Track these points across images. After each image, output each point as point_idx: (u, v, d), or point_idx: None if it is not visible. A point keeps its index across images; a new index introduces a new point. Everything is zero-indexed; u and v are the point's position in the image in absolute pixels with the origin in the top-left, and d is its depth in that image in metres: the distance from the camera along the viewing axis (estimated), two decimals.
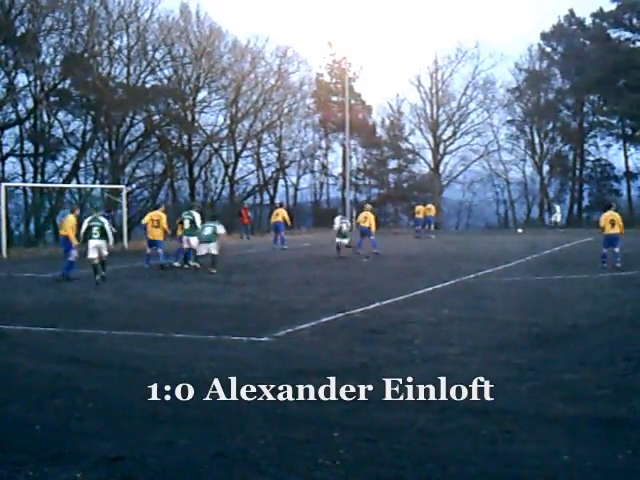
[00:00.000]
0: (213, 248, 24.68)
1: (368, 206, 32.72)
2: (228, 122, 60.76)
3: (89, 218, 22.80)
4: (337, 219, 30.89)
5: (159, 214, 27.14)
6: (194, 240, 25.70)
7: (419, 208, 46.19)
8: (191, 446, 7.05)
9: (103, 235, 22.28)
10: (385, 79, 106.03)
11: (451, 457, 6.69)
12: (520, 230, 49.95)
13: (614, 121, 65.04)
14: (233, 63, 59.28)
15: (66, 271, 22.85)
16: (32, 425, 7.79)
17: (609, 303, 16.56)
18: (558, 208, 54.01)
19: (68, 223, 23.65)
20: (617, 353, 11.06)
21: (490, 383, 9.14)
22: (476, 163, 67.06)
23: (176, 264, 26.26)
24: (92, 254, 22.14)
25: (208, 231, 24.85)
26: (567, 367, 10.00)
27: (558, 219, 52.43)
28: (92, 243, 22.11)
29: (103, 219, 22.93)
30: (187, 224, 26.59)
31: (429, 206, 46.38)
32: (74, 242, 23.02)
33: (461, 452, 6.81)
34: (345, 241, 29.85)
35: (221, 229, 25.44)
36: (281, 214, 37.54)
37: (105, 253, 22.40)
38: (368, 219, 30.82)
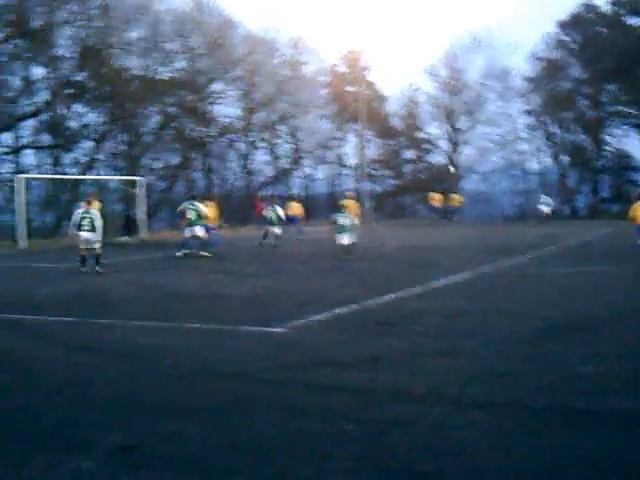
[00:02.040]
0: (198, 231, 26.13)
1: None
2: (243, 113, 60.73)
3: (80, 210, 22.63)
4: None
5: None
6: (201, 229, 26.12)
7: (434, 195, 46.02)
8: (203, 436, 7.03)
9: (94, 227, 22.06)
10: (400, 69, 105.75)
11: (464, 450, 6.63)
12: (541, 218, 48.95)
13: (632, 110, 64.56)
14: (247, 54, 59.21)
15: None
16: (44, 414, 7.79)
17: (629, 295, 16.43)
18: (546, 199, 52.51)
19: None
20: (636, 346, 10.98)
21: (505, 376, 9.10)
22: (494, 153, 66.79)
23: (178, 254, 26.53)
24: (82, 245, 22.12)
25: (191, 215, 25.59)
26: (584, 360, 9.87)
27: (547, 210, 51.13)
28: (82, 236, 22.03)
29: (95, 211, 22.67)
30: (192, 214, 26.87)
31: (453, 196, 45.96)
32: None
33: (474, 445, 6.75)
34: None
35: (202, 208, 26.94)
36: (295, 207, 37.46)
37: (96, 246, 22.16)
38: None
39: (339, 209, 27.71)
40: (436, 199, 45.50)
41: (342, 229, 25.85)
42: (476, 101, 66.61)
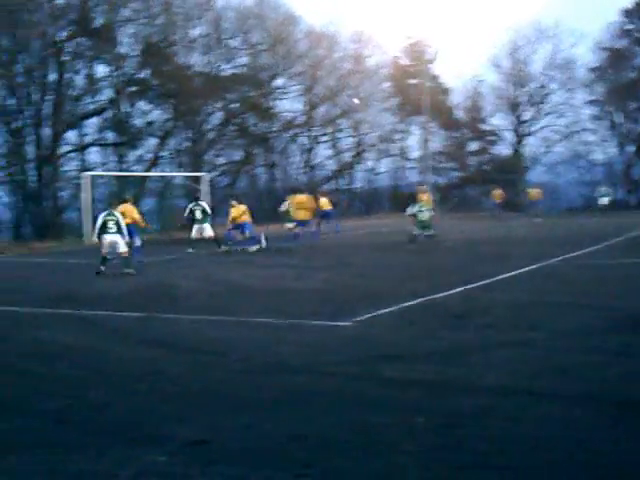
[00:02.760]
0: (208, 230, 27.17)
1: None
2: (305, 108, 60.82)
3: (104, 212, 22.32)
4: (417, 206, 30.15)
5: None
6: (209, 227, 27.25)
7: (495, 192, 45.67)
8: (273, 429, 7.04)
9: (119, 230, 21.64)
10: (463, 60, 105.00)
11: (537, 443, 6.56)
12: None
13: None
14: (309, 49, 59.27)
15: (138, 256, 24.18)
16: (118, 408, 7.89)
17: None
18: (605, 190, 51.33)
19: (132, 212, 24.75)
20: None
21: (575, 368, 8.99)
22: (559, 144, 65.99)
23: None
24: (106, 249, 21.58)
25: (198, 214, 27.03)
26: None
27: (605, 201, 50.03)
28: (108, 238, 21.56)
29: (118, 213, 22.33)
30: (199, 215, 27.37)
31: (531, 190, 45.25)
32: (141, 224, 25.10)
33: (547, 438, 6.68)
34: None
35: (208, 207, 27.95)
36: (325, 203, 37.43)
37: (123, 249, 21.68)
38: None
39: (415, 201, 27.78)
40: (497, 196, 45.05)
41: (422, 221, 25.96)
42: (540, 92, 65.88)
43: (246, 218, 28.98)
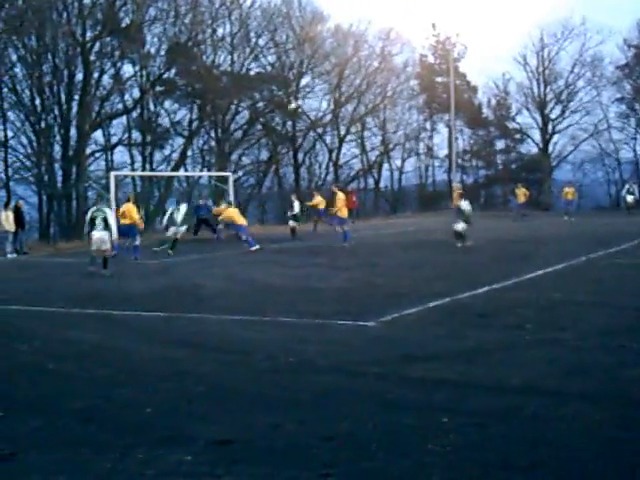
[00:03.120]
0: (180, 232, 27.66)
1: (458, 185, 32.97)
2: (332, 107, 60.82)
3: (93, 208, 22.00)
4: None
5: (341, 195, 28.27)
6: (183, 230, 28.18)
7: (519, 192, 45.43)
8: (299, 429, 7.05)
9: (107, 226, 21.09)
10: (490, 58, 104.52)
11: (564, 443, 6.53)
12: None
13: None
14: (336, 47, 59.27)
15: (137, 255, 25.06)
16: (143, 408, 7.91)
17: None
18: (631, 187, 50.33)
19: (132, 211, 25.14)
20: None
21: (603, 367, 8.94)
22: (586, 142, 65.48)
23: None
24: (95, 247, 21.11)
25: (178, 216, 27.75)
26: None
27: (631, 199, 49.25)
28: (95, 235, 21.05)
29: (107, 209, 21.88)
30: (179, 217, 28.28)
31: (566, 189, 44.77)
32: (140, 225, 25.51)
33: (574, 438, 6.65)
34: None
35: (183, 210, 28.29)
36: (319, 201, 37.31)
37: (107, 247, 21.15)
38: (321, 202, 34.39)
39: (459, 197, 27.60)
40: (521, 195, 44.78)
41: (463, 216, 25.64)
42: (567, 90, 65.55)
43: (239, 220, 29.63)
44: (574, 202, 43.74)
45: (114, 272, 20.93)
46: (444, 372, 8.96)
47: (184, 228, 28.69)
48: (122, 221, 26.06)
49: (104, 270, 20.88)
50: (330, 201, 32.45)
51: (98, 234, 20.98)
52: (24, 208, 34.88)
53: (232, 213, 29.58)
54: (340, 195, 29.22)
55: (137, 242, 25.72)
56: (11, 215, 30.04)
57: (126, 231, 25.92)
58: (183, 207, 28.86)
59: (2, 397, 8.63)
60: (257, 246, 27.82)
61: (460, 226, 25.64)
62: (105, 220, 21.04)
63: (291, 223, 34.64)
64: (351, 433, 6.90)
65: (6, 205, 31.52)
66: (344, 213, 28.71)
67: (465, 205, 26.17)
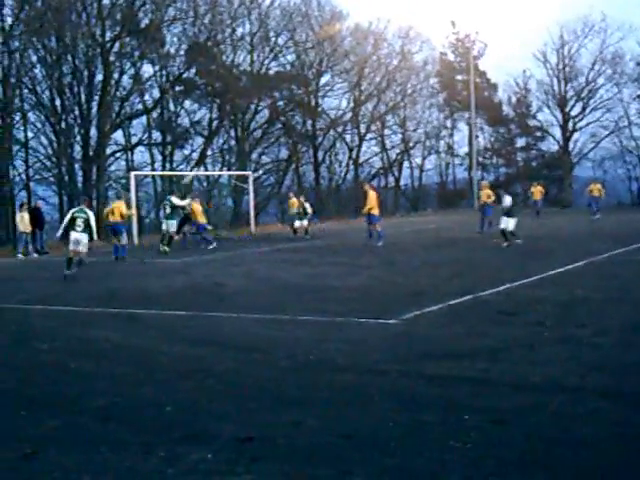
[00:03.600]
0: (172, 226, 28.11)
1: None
2: (351, 105, 60.83)
3: (74, 209, 21.77)
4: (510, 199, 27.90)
5: (372, 193, 28.30)
6: (174, 223, 28.51)
7: (535, 189, 45.26)
8: (320, 427, 7.03)
9: (87, 228, 20.57)
10: (510, 56, 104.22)
11: (584, 440, 6.49)
12: None
13: None
14: (355, 46, 59.25)
15: (124, 254, 25.66)
16: (164, 406, 7.90)
17: None
18: None
19: (120, 208, 25.52)
20: None
21: (626, 365, 8.88)
22: (607, 140, 65.23)
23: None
24: (72, 246, 20.60)
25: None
26: None
27: None
28: (73, 235, 20.59)
29: (89, 211, 21.18)
30: (168, 210, 28.88)
31: (593, 186, 44.44)
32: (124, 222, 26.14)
33: (595, 436, 6.60)
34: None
35: (177, 202, 28.98)
36: (295, 203, 37.25)
37: (84, 250, 20.67)
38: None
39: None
40: (537, 193, 44.58)
41: (510, 213, 25.36)
42: (588, 87, 65.24)
43: (200, 219, 30.33)
44: (600, 199, 43.44)
45: (81, 274, 20.52)
46: (465, 369, 8.93)
47: (173, 222, 28.88)
48: (111, 218, 26.67)
49: (68, 271, 20.27)
50: (362, 199, 32.15)
51: (77, 235, 20.53)
52: (43, 209, 34.98)
53: (195, 210, 29.77)
54: (372, 193, 28.72)
55: (124, 241, 25.99)
56: (26, 216, 30.17)
57: (116, 229, 26.34)
58: (174, 198, 29.39)
59: (23, 396, 8.66)
60: (214, 245, 28.90)
61: (509, 223, 25.21)
62: (86, 222, 20.61)
63: (304, 222, 34.60)
64: (372, 431, 6.88)
65: (21, 206, 31.60)
66: (377, 212, 28.18)
67: (508, 201, 25.78)
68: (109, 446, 6.69)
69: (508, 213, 25.23)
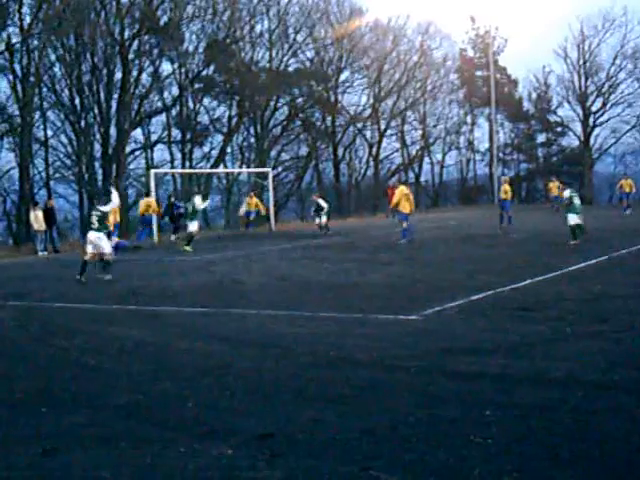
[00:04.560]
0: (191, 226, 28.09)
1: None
2: (371, 101, 60.72)
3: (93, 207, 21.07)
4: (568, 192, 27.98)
5: (406, 190, 28.12)
6: (195, 224, 28.72)
7: (552, 185, 45.06)
8: (340, 423, 7.01)
9: (102, 227, 19.52)
10: (530, 51, 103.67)
11: (607, 436, 6.45)
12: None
13: None
14: (375, 42, 59.15)
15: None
16: (184, 402, 7.91)
17: None
18: None
19: (151, 204, 25.96)
20: None
21: None
22: (627, 135, 64.93)
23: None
24: (90, 249, 19.36)
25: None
26: None
27: None
28: (90, 236, 19.47)
29: (103, 208, 19.77)
30: (190, 209, 29.10)
31: (624, 182, 44.06)
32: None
33: (617, 431, 6.56)
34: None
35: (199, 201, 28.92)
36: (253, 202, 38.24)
37: (107, 250, 19.44)
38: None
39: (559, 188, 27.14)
40: (554, 189, 44.34)
41: (575, 209, 24.96)
42: (608, 82, 64.89)
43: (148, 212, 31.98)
44: (631, 195, 43.11)
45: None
46: (486, 365, 8.89)
47: (195, 223, 28.93)
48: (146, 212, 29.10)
49: (106, 275, 19.39)
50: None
51: (92, 235, 19.31)
52: (56, 207, 35.15)
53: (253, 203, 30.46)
54: (400, 189, 28.25)
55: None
56: (40, 214, 30.18)
57: (148, 220, 27.17)
58: (197, 199, 29.24)
59: (44, 393, 8.69)
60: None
61: (573, 219, 24.76)
62: (100, 219, 19.44)
63: (323, 219, 34.59)
64: (392, 426, 6.85)
65: (35, 205, 31.60)
66: (405, 208, 27.74)
67: (567, 194, 25.31)
68: (129, 442, 6.70)
69: (568, 208, 24.71)
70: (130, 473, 6.05)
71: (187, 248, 27.26)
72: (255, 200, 38.22)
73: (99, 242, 19.35)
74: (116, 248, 24.28)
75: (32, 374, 9.71)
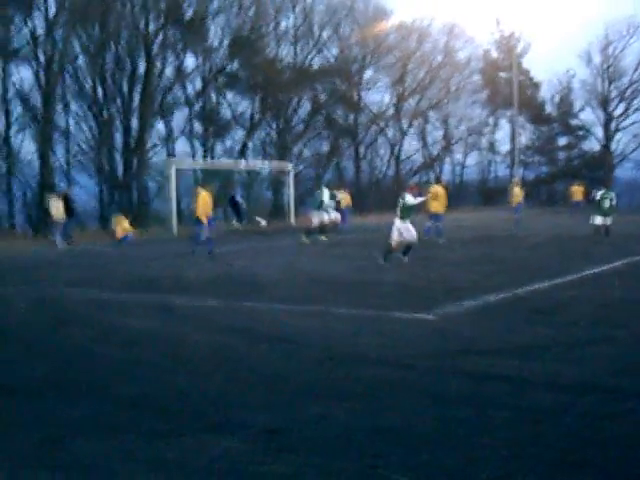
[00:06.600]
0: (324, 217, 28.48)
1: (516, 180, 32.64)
2: (394, 101, 60.62)
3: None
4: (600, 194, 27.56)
5: (438, 189, 27.90)
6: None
7: (576, 189, 44.85)
8: (348, 420, 6.95)
9: (406, 215, 19.96)
10: (554, 55, 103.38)
11: (617, 441, 6.37)
12: None
13: None
14: (399, 41, 59.04)
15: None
16: (194, 395, 7.89)
17: None
18: None
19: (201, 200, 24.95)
20: None
21: None
22: None
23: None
24: (394, 236, 20.00)
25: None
26: None
27: None
28: (397, 224, 20.06)
29: (409, 200, 20.01)
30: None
31: None
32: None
33: (627, 436, 6.49)
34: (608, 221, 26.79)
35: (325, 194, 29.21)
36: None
37: (412, 240, 20.02)
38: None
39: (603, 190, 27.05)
40: (578, 193, 44.10)
41: (604, 210, 24.74)
42: (631, 87, 64.63)
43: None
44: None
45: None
46: (499, 367, 8.82)
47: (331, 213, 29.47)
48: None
49: (403, 258, 20.27)
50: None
51: (400, 223, 20.02)
52: (74, 197, 35.07)
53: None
54: (432, 189, 27.76)
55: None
56: (61, 204, 30.16)
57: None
58: (325, 192, 29.53)
59: (52, 382, 8.68)
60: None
61: (597, 220, 24.51)
62: (404, 209, 19.98)
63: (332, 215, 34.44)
64: (402, 425, 6.80)
65: (55, 194, 31.53)
66: (435, 208, 27.26)
67: (598, 195, 25.09)
68: (136, 434, 6.67)
69: (599, 210, 24.41)
70: (137, 464, 6.02)
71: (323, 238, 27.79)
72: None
73: (405, 231, 19.89)
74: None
75: (41, 363, 9.67)
